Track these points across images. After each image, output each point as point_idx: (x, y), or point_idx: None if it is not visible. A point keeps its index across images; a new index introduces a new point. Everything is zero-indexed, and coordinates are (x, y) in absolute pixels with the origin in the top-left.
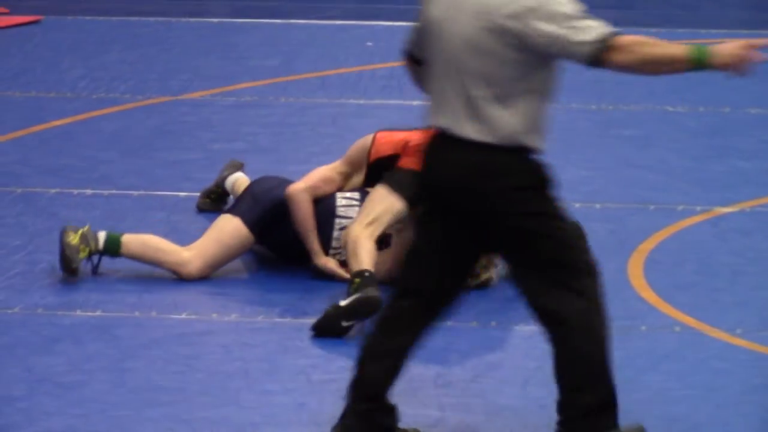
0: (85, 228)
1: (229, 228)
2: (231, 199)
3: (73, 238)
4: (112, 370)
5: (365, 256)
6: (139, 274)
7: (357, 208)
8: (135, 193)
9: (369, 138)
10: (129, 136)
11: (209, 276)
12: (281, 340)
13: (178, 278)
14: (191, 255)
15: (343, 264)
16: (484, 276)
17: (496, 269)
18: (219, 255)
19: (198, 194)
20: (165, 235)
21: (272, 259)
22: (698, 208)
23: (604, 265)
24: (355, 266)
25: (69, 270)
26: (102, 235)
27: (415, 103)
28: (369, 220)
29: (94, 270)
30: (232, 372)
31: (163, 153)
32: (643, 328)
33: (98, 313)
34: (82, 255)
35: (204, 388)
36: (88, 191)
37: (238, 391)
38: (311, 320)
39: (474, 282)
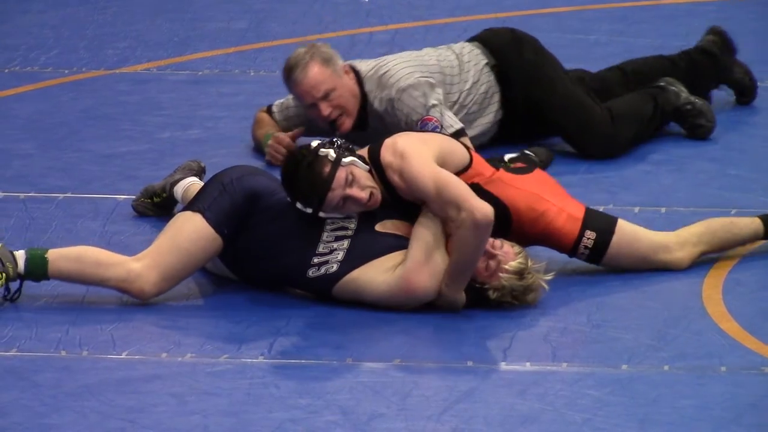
0: None
1: (188, 228)
2: (179, 207)
3: None
4: (32, 427)
5: None
6: (67, 301)
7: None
8: (60, 195)
9: (465, 154)
10: (51, 122)
11: (165, 291)
12: (251, 388)
13: (125, 300)
14: (142, 266)
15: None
16: (529, 280)
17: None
18: (178, 264)
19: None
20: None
21: (237, 282)
22: None
23: (673, 287)
24: None
25: None
26: (21, 255)
27: None
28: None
29: (11, 299)
30: (188, 429)
31: (96, 144)
32: (723, 368)
33: (13, 352)
34: None
35: None
36: None
37: None
38: (291, 361)
39: (515, 283)
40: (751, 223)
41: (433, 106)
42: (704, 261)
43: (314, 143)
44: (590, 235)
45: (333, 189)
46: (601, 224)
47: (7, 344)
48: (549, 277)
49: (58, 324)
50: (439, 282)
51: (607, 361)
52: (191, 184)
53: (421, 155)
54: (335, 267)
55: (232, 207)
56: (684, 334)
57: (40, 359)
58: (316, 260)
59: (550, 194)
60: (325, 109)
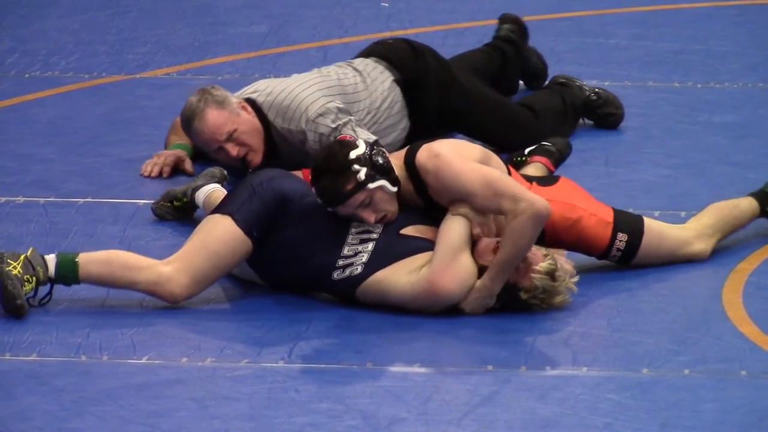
0: (29, 252)
1: (218, 231)
2: (200, 213)
3: (14, 267)
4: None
5: None
6: (87, 305)
7: None
8: (80, 200)
9: (503, 166)
10: (71, 126)
11: (196, 294)
12: (272, 392)
13: (145, 305)
14: (173, 269)
15: None
16: (560, 280)
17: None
18: (208, 267)
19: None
20: None
21: (259, 286)
22: None
23: (694, 290)
24: None
25: (13, 308)
26: (52, 259)
27: None
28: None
29: (41, 303)
30: None
31: (116, 149)
32: (744, 372)
33: (33, 357)
34: (28, 288)
35: None
36: (20, 199)
37: None
38: (311, 365)
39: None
40: (750, 204)
41: (345, 124)
42: (724, 265)
43: (356, 151)
44: (622, 237)
45: (345, 205)
46: (631, 226)
47: (28, 349)
48: (576, 279)
49: (78, 329)
50: (464, 284)
51: (627, 365)
52: (213, 191)
53: (460, 154)
54: (360, 269)
55: (261, 209)
56: (704, 338)
57: (61, 364)
58: (341, 262)
59: (580, 200)
60: (233, 150)
